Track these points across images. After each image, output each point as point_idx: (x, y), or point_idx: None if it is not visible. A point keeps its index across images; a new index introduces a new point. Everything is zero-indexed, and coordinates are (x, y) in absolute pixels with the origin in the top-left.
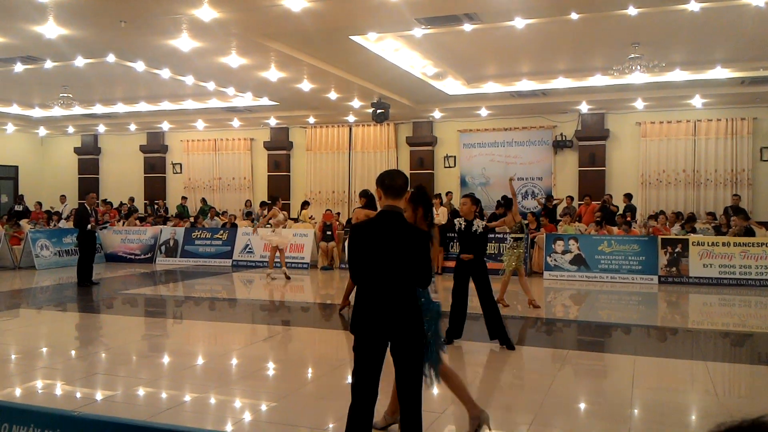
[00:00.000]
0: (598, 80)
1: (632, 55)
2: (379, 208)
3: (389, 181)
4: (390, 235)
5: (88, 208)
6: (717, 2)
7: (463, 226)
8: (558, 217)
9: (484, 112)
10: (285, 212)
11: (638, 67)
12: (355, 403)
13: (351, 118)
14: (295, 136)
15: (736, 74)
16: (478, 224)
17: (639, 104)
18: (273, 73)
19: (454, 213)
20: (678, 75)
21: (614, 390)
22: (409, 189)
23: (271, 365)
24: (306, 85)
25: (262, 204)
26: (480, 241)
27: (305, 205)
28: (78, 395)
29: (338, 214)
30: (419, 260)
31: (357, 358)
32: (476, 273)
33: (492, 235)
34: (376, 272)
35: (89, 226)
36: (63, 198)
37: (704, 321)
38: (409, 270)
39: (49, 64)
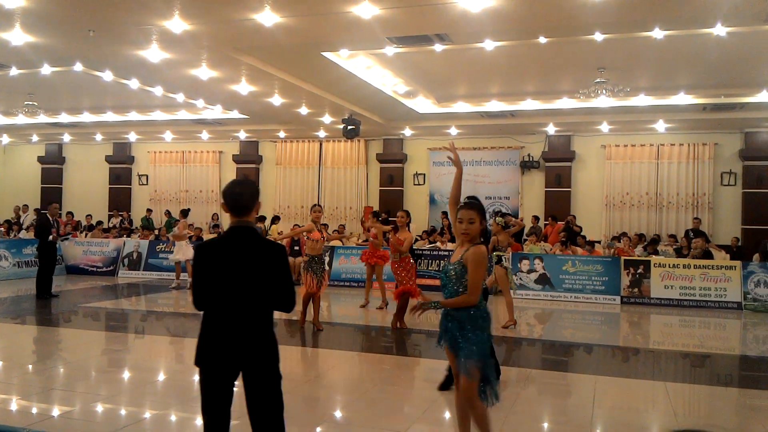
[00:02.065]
0: (565, 103)
1: (598, 80)
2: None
3: (234, 197)
4: (243, 254)
5: (50, 219)
6: (680, 31)
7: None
8: (524, 237)
9: (453, 131)
10: (190, 224)
11: (604, 92)
12: None
13: (322, 134)
14: (265, 150)
15: (698, 101)
16: None
17: (604, 127)
18: (243, 87)
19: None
20: (642, 100)
21: (576, 409)
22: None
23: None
24: (277, 100)
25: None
26: None
27: (276, 220)
28: (34, 411)
29: None
30: (280, 279)
31: (205, 392)
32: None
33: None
34: (226, 296)
35: (50, 237)
36: (25, 207)
37: (665, 342)
38: (268, 291)
39: (14, 71)
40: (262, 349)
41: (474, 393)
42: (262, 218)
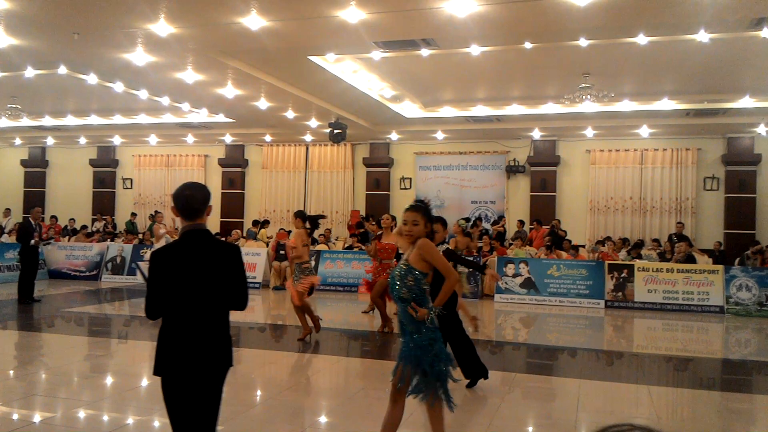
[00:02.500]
0: (550, 108)
1: (583, 85)
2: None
3: (186, 200)
4: (201, 257)
5: (32, 223)
6: (664, 37)
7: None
8: (509, 241)
9: (440, 135)
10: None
11: (588, 97)
12: None
13: (308, 138)
14: (251, 153)
15: (681, 106)
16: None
17: (589, 132)
18: (230, 90)
19: None
20: (626, 105)
21: (560, 413)
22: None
23: None
24: (263, 104)
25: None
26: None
27: (265, 224)
28: (15, 417)
29: (289, 232)
30: (236, 279)
31: (171, 402)
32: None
33: None
34: (189, 301)
35: (32, 242)
36: (8, 211)
37: (648, 345)
38: (227, 291)
39: None
40: (224, 351)
41: (400, 390)
42: (256, 222)
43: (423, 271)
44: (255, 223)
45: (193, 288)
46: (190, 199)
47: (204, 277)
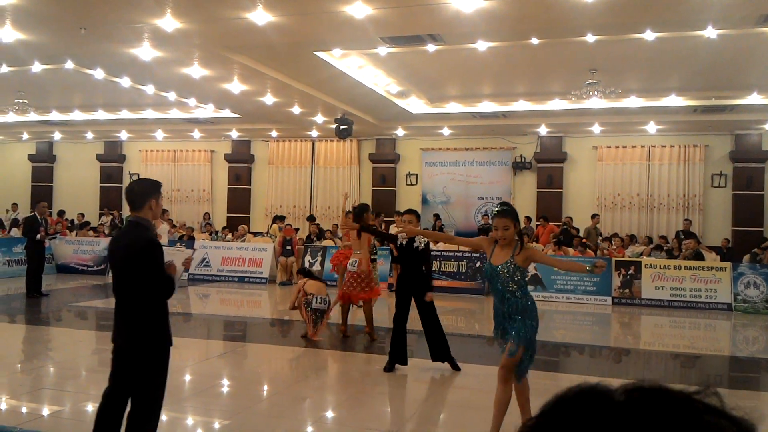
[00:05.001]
0: (557, 104)
1: (590, 81)
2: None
3: (127, 192)
4: (123, 246)
5: (39, 218)
6: (671, 33)
7: (404, 242)
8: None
9: (446, 131)
10: (166, 222)
11: (595, 93)
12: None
13: (314, 133)
14: (257, 149)
15: (689, 102)
16: (420, 240)
17: (596, 129)
18: (236, 86)
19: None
20: (633, 102)
21: None
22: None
23: (225, 382)
24: (269, 99)
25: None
26: (422, 257)
27: (277, 219)
28: (24, 410)
29: (297, 229)
30: (149, 271)
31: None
32: (418, 291)
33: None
34: (115, 282)
35: (38, 236)
36: (15, 206)
37: (655, 342)
38: (142, 280)
39: (4, 69)
40: (135, 331)
41: (512, 369)
42: (280, 218)
43: (525, 269)
44: (279, 218)
45: (114, 271)
46: (128, 193)
47: (120, 263)
